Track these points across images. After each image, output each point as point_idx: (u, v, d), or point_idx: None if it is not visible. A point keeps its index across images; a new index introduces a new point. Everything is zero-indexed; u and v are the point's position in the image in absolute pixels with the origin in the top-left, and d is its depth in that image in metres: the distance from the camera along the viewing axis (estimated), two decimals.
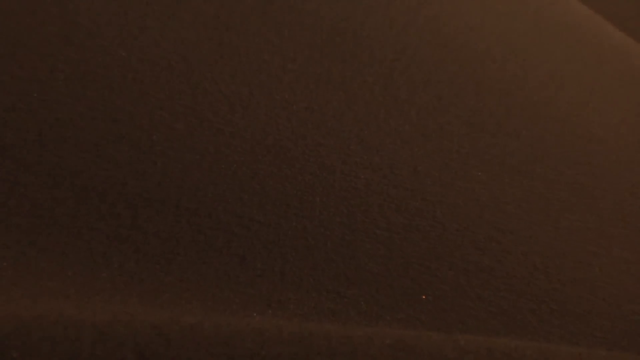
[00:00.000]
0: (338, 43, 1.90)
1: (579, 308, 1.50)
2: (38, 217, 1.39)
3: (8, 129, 1.52)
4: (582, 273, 1.56)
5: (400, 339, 1.03)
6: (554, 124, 1.94)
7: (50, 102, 1.59)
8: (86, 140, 1.53)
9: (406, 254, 1.49)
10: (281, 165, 1.59)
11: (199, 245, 1.40)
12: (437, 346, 1.03)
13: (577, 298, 1.52)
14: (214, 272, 1.36)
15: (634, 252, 1.68)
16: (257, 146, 1.60)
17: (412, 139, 1.72)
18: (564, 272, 1.57)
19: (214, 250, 1.40)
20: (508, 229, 1.61)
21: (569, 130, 1.95)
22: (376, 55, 1.90)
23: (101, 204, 1.43)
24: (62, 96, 1.61)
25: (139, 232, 1.40)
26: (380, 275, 1.43)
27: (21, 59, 1.66)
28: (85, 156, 1.50)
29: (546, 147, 1.84)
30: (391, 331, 1.09)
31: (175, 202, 1.47)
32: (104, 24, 1.81)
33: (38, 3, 1.78)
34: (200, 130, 1.60)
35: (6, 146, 1.49)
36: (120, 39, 1.76)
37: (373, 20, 2.01)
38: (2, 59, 1.65)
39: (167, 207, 1.45)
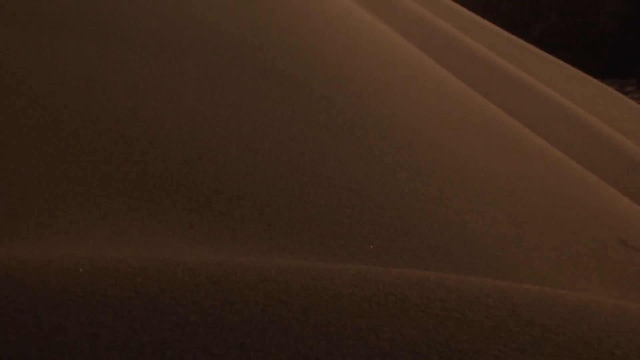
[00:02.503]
0: (304, 105, 1.88)
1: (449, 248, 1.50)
2: (152, 202, 1.38)
3: (135, 152, 1.51)
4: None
5: (358, 271, 1.03)
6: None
7: (162, 140, 1.58)
8: (180, 161, 1.52)
9: (364, 226, 1.48)
10: (288, 177, 1.58)
11: (243, 218, 1.39)
12: (379, 274, 1.03)
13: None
14: (252, 233, 1.35)
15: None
16: (271, 163, 1.60)
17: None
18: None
19: (252, 221, 1.39)
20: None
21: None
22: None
23: (187, 195, 1.42)
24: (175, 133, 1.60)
25: (210, 211, 1.39)
26: (348, 237, 1.42)
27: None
28: (181, 168, 1.49)
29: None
30: (353, 266, 1.09)
31: (229, 193, 1.46)
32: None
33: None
34: (242, 155, 1.59)
35: (135, 163, 1.48)
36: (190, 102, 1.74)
37: (329, 79, 2.00)
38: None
39: (224, 197, 1.44)
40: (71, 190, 1.34)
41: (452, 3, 3.77)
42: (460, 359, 0.85)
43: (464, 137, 2.08)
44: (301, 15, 2.29)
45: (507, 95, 2.78)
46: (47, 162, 1.39)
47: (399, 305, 0.94)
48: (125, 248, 1.19)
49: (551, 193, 2.04)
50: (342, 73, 2.04)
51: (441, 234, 1.52)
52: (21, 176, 1.34)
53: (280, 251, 1.31)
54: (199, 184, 1.45)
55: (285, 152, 1.62)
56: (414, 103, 2.12)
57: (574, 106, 3.01)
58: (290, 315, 0.90)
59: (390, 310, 0.92)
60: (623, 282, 1.72)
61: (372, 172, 1.66)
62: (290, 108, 1.79)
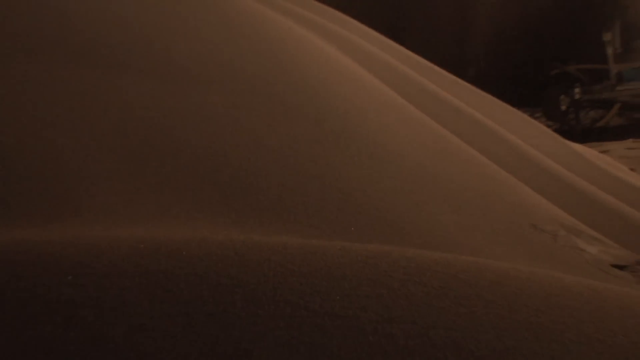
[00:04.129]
0: (303, 126, 1.87)
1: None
2: (195, 198, 1.37)
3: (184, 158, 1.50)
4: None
5: (343, 247, 1.03)
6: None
7: (203, 154, 1.56)
8: (216, 169, 1.51)
9: (347, 214, 1.47)
10: (292, 179, 1.56)
11: (261, 209, 1.38)
12: (357, 248, 1.02)
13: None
14: (267, 220, 1.34)
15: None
16: (280, 168, 1.58)
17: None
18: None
19: (267, 211, 1.37)
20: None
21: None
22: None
23: (220, 192, 1.40)
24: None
25: (237, 203, 1.37)
26: (335, 222, 1.41)
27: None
28: (216, 174, 1.48)
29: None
30: (339, 243, 1.08)
31: (250, 192, 1.44)
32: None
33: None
34: (260, 163, 1.57)
35: (181, 170, 1.47)
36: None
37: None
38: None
39: (247, 194, 1.43)
40: (136, 189, 1.33)
41: (412, 54, 3.77)
42: (416, 309, 0.85)
43: (416, 150, 2.08)
44: (302, 54, 2.28)
45: (450, 119, 2.78)
46: (121, 171, 1.39)
47: (372, 270, 0.94)
48: (175, 230, 1.19)
49: (482, 190, 2.04)
50: (331, 102, 2.03)
51: (403, 220, 1.52)
52: (102, 180, 1.34)
53: (287, 232, 1.31)
54: (229, 185, 1.44)
55: (290, 161, 1.61)
56: (381, 124, 2.12)
57: (498, 127, 3.01)
58: (293, 278, 0.89)
59: (366, 274, 0.92)
60: (533, 254, 1.72)
61: (352, 174, 1.65)
62: (294, 128, 1.78)
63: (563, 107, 8.75)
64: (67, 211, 1.23)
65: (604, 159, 4.25)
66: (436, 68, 3.75)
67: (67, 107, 1.55)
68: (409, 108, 2.43)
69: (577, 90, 8.73)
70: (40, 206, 1.20)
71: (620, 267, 2.01)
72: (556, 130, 5.19)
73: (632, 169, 4.61)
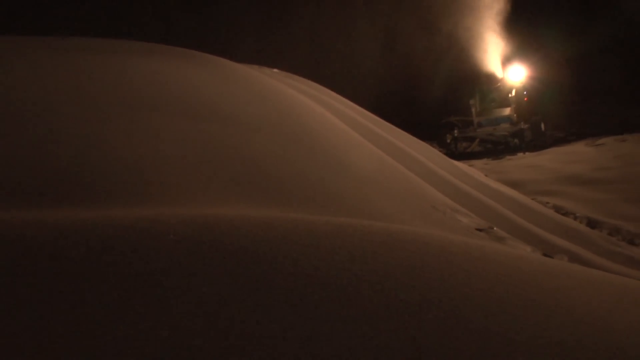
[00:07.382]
0: (298, 144, 1.82)
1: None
2: (246, 190, 1.32)
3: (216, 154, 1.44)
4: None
5: (327, 220, 0.98)
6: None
7: (245, 167, 1.50)
8: (257, 174, 1.45)
9: (330, 201, 1.42)
10: (293, 181, 1.49)
11: (281, 200, 1.32)
12: (334, 220, 0.98)
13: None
14: (282, 204, 1.29)
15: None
16: (284, 170, 1.52)
17: (313, 169, 1.64)
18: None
19: (284, 200, 1.32)
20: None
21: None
22: (307, 143, 1.83)
23: (258, 188, 1.35)
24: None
25: (272, 194, 1.32)
26: (319, 204, 1.37)
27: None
28: (259, 180, 1.41)
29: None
30: (324, 217, 1.05)
31: (274, 189, 1.38)
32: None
33: None
34: (278, 167, 1.52)
35: (231, 175, 1.41)
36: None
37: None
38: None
39: (274, 190, 1.36)
40: (205, 186, 1.29)
41: (362, 109, 3.76)
42: (368, 255, 0.82)
43: (366, 164, 2.05)
44: (301, 110, 2.24)
45: (385, 146, 2.76)
46: (197, 173, 1.34)
47: (343, 233, 0.90)
48: (222, 209, 1.15)
49: (403, 187, 2.02)
50: (318, 137, 2.00)
51: (360, 204, 1.49)
52: (189, 182, 1.29)
53: (291, 210, 1.25)
54: (257, 183, 1.39)
55: (294, 170, 1.58)
56: (347, 151, 2.09)
57: (412, 151, 3.01)
58: (295, 237, 0.85)
59: (338, 235, 0.88)
60: (433, 223, 1.71)
61: (330, 178, 1.62)
62: (296, 150, 1.75)
63: (448, 141, 9.25)
64: (169, 197, 1.18)
65: (471, 170, 4.30)
66: (377, 117, 3.76)
67: (181, 146, 1.49)
68: (363, 141, 2.42)
69: (456, 131, 9.36)
70: (148, 194, 1.16)
71: (480, 230, 2.01)
72: (444, 154, 5.29)
73: (486, 175, 4.70)
